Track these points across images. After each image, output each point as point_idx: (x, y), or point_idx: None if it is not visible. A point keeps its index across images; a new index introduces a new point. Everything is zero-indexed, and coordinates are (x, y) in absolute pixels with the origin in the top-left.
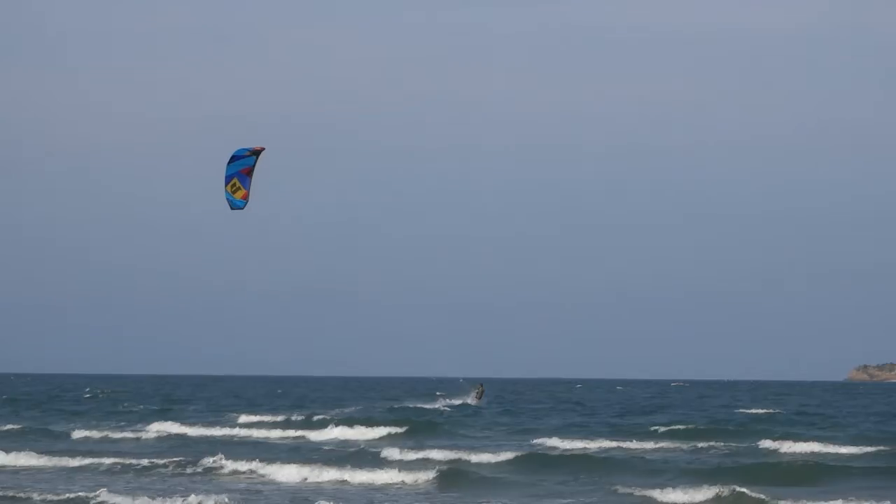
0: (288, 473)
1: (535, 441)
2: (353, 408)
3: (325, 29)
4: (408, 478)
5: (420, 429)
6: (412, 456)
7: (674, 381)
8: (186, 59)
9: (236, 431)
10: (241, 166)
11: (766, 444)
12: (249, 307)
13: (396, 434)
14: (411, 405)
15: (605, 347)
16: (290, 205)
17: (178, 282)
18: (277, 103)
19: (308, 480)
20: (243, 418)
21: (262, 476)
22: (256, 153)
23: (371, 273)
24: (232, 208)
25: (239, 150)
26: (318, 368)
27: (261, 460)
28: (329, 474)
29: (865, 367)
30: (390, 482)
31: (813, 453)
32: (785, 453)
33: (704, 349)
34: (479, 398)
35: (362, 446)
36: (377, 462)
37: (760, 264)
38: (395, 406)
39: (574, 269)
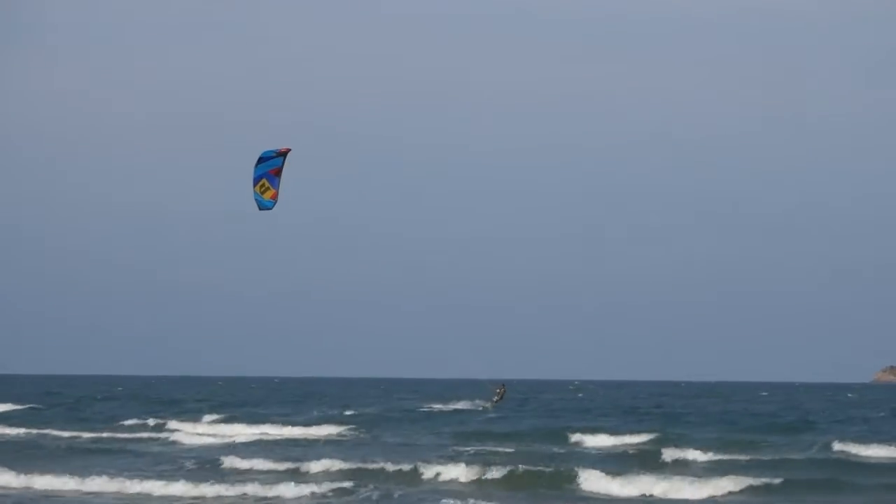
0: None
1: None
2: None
3: (325, 26)
4: (206, 490)
5: (336, 435)
6: (260, 466)
7: (684, 381)
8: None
9: (104, 435)
10: (270, 167)
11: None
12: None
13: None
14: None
15: (623, 348)
16: (293, 206)
17: (193, 286)
18: (270, 103)
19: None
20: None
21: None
22: (283, 154)
23: (379, 275)
24: (260, 209)
25: (266, 152)
26: (322, 369)
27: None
28: (120, 485)
29: (892, 368)
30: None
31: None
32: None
33: (727, 351)
34: (501, 398)
35: (218, 454)
36: (205, 473)
37: (784, 264)
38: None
39: (593, 268)
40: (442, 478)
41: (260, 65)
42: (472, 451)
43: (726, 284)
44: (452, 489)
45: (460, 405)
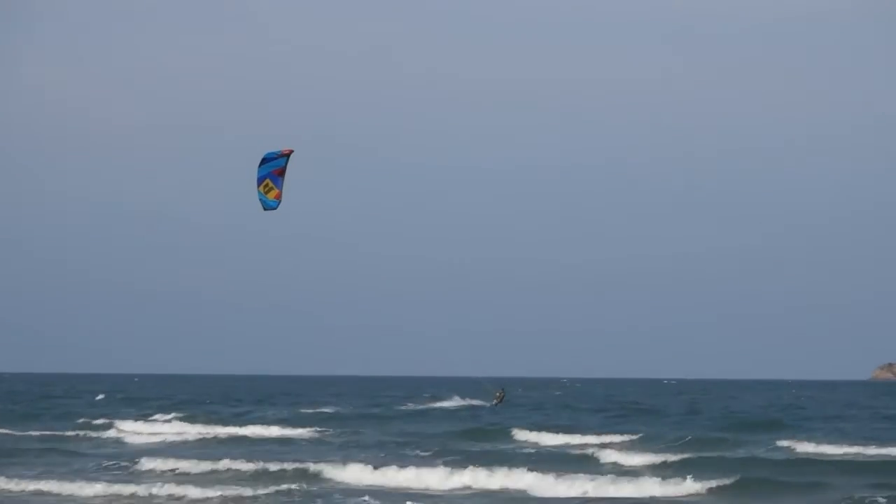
0: None
1: None
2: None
3: (325, 25)
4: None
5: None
6: (174, 466)
7: (675, 379)
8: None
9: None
10: (274, 167)
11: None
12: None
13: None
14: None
15: (623, 346)
16: (296, 208)
17: (193, 285)
18: (267, 103)
19: None
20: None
21: None
22: (286, 156)
23: (379, 273)
24: (265, 209)
25: (269, 153)
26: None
27: None
28: None
29: (890, 365)
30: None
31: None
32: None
33: (726, 349)
34: (500, 401)
35: (145, 454)
36: (116, 472)
37: (782, 262)
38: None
39: (590, 264)
40: (349, 477)
41: (259, 64)
42: (400, 450)
43: (725, 283)
44: (357, 488)
45: (442, 404)
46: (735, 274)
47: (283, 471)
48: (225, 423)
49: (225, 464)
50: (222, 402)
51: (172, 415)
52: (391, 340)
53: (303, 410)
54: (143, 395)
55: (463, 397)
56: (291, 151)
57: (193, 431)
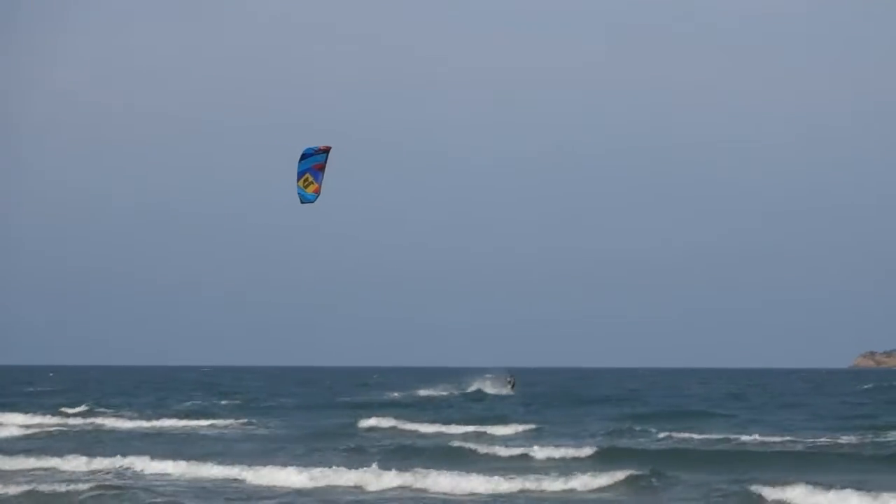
0: None
1: None
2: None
3: (323, 21)
4: None
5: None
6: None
7: (643, 367)
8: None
9: None
10: (313, 162)
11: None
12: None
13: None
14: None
15: (612, 336)
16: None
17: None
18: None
19: None
20: None
21: None
22: (324, 151)
23: (382, 267)
24: (302, 202)
25: (308, 149)
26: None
27: None
28: None
29: (872, 353)
30: None
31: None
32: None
33: (707, 337)
34: (512, 388)
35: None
36: None
37: (765, 251)
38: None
39: (582, 256)
40: (165, 470)
41: (260, 63)
42: (287, 444)
43: (705, 272)
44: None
45: (391, 394)
46: (714, 264)
47: (114, 470)
48: (104, 415)
49: (39, 461)
50: (162, 394)
51: (84, 408)
52: (394, 335)
53: (227, 402)
54: (84, 388)
55: (436, 387)
56: (329, 148)
57: (68, 423)
